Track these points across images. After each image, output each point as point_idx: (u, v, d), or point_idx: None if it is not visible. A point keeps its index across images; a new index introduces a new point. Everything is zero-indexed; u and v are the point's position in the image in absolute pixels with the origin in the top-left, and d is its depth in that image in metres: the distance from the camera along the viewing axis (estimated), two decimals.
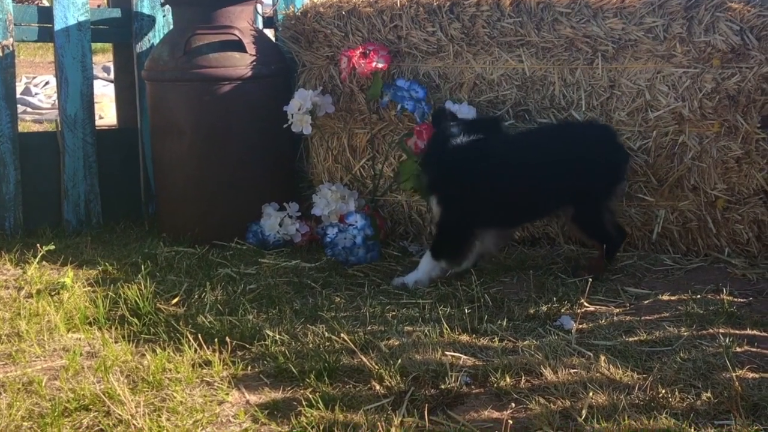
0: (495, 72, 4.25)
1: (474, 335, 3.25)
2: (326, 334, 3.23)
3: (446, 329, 3.24)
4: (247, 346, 3.22)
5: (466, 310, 3.42)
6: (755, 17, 3.87)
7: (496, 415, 2.71)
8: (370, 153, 4.47)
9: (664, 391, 2.75)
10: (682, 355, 3.02)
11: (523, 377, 2.90)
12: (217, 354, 3.13)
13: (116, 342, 3.28)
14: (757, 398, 2.70)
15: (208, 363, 3.08)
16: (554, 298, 3.55)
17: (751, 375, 2.89)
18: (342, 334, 3.17)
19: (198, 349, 3.14)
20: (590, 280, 3.58)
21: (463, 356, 3.05)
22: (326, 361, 3.01)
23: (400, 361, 2.96)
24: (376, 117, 4.44)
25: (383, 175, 4.45)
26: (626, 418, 2.59)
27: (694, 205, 4.08)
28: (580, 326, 3.30)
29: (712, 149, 4.03)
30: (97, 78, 8.64)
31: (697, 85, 4.01)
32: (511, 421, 2.63)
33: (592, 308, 3.51)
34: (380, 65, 4.16)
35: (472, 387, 2.87)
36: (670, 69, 4.03)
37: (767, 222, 4.02)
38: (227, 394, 2.89)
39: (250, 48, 4.43)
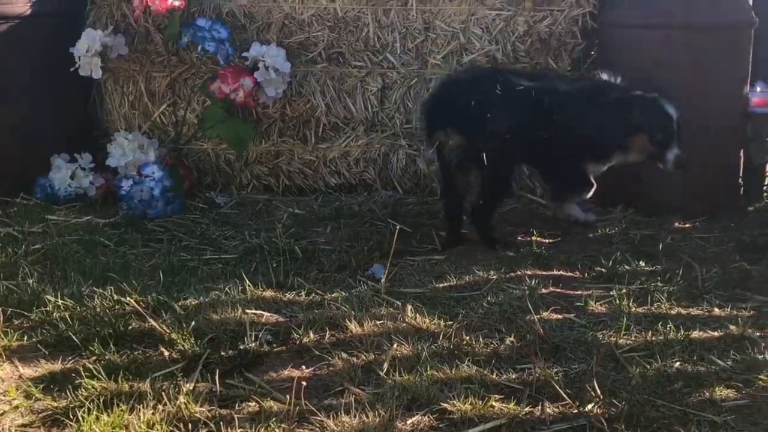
0: (305, 12, 4.02)
1: (280, 290, 3.06)
2: (115, 296, 2.94)
3: (249, 286, 3.03)
4: (26, 313, 2.88)
5: (273, 264, 3.22)
6: None
7: (296, 373, 2.54)
8: (170, 98, 4.13)
9: (468, 338, 2.68)
10: (489, 299, 2.97)
11: (327, 332, 2.74)
12: None
13: None
14: (558, 339, 2.68)
15: None
16: (365, 248, 3.41)
17: (554, 316, 2.87)
18: (132, 296, 2.89)
19: None
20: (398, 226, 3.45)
21: (266, 313, 2.86)
22: (113, 326, 2.73)
23: (194, 322, 2.73)
24: (176, 59, 4.10)
25: (186, 122, 4.13)
26: (428, 368, 2.49)
27: None
28: (392, 274, 3.19)
29: None
30: None
31: (510, 28, 3.97)
32: (310, 379, 2.48)
33: (406, 255, 3.40)
34: (177, 3, 3.81)
35: (274, 346, 2.69)
36: (484, 11, 3.98)
37: None
38: None
39: None
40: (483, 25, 3.98)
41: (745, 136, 3.92)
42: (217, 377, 2.43)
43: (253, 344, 2.66)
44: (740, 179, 3.99)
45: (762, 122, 3.89)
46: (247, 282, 3.05)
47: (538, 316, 2.80)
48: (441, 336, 2.69)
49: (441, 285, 3.12)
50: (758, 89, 3.85)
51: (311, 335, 2.72)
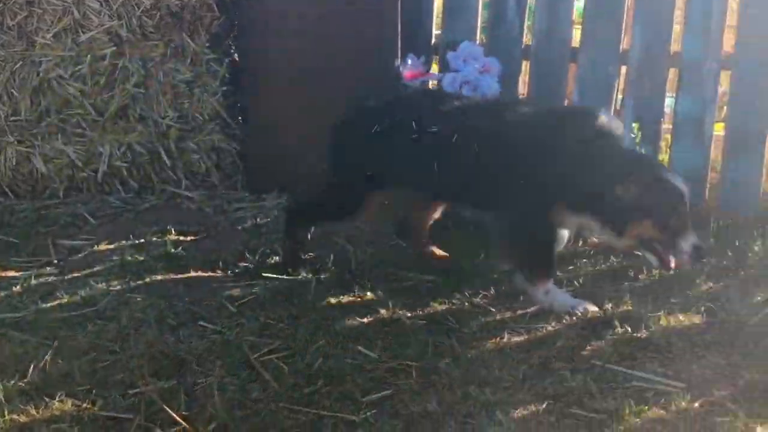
0: None
1: None
2: None
3: None
4: None
5: None
6: None
7: None
8: None
9: (69, 365, 2.16)
10: (107, 314, 2.48)
11: None
12: None
13: None
14: (184, 352, 2.28)
15: None
16: None
17: (185, 325, 2.43)
18: None
19: None
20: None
21: None
22: None
23: None
24: None
25: None
26: (6, 412, 1.96)
27: (144, 137, 3.56)
28: None
29: (158, 73, 3.55)
30: None
31: (133, 1, 3.50)
32: None
33: (9, 271, 2.78)
34: None
35: None
36: None
37: (226, 149, 3.67)
38: None
39: None
40: None
41: None
42: None
43: None
44: None
45: None
46: None
47: (163, 329, 2.36)
48: (32, 369, 2.14)
49: (48, 304, 2.55)
50: (409, 62, 3.71)
51: None
